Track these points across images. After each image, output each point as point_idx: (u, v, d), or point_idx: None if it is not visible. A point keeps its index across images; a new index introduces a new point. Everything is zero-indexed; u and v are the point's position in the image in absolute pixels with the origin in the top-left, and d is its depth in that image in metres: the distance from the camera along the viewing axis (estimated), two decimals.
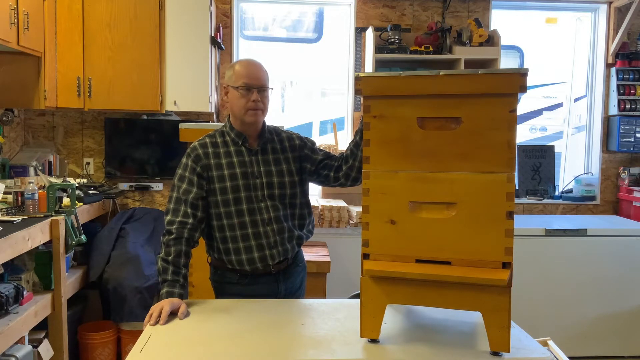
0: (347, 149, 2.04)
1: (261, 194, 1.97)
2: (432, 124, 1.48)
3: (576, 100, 4.49)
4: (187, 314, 1.74)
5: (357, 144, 1.98)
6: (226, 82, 2.00)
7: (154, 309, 1.71)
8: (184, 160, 1.99)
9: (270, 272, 2.01)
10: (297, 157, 2.07)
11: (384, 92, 1.50)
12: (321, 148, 2.14)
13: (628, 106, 4.12)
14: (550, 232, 3.62)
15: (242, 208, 1.95)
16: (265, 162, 2.00)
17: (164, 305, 1.71)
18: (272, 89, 2.01)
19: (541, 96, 4.58)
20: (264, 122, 2.05)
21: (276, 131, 2.11)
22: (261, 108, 1.96)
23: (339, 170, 2.05)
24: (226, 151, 1.99)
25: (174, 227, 1.90)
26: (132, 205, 3.91)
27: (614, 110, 4.14)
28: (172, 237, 1.89)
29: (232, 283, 2.03)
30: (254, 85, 1.93)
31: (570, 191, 4.33)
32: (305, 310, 1.82)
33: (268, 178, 1.99)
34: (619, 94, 4.13)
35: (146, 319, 1.70)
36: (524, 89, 1.39)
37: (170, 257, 1.86)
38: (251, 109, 1.93)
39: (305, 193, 2.11)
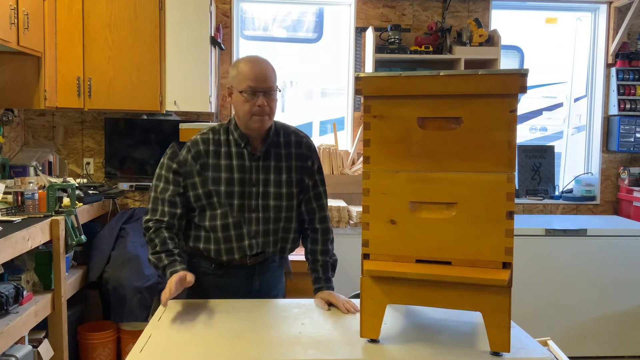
0: (311, 260, 2.08)
1: (255, 203, 1.91)
2: (432, 124, 1.48)
3: (576, 100, 4.49)
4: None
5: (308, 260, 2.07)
6: (230, 82, 1.90)
7: (168, 284, 1.70)
8: (183, 152, 1.92)
9: (246, 264, 1.95)
10: (300, 167, 1.96)
11: (384, 92, 1.50)
12: (321, 198, 2.03)
13: (628, 106, 4.12)
14: (550, 232, 3.62)
15: (232, 213, 1.91)
16: (265, 169, 1.92)
17: (170, 282, 1.70)
18: (279, 90, 1.89)
19: (541, 96, 4.58)
20: (270, 125, 1.94)
21: (285, 132, 1.98)
22: (267, 113, 1.83)
23: (300, 223, 2.04)
24: (227, 151, 1.91)
25: (151, 222, 1.90)
26: (132, 205, 3.91)
27: (614, 110, 4.15)
28: (151, 230, 1.88)
29: (206, 274, 1.98)
30: (260, 89, 1.81)
31: (570, 191, 4.33)
32: (305, 311, 1.82)
33: (265, 188, 1.92)
34: (619, 94, 4.13)
35: (162, 298, 1.69)
36: (524, 89, 1.39)
37: (157, 248, 1.84)
38: (256, 114, 1.82)
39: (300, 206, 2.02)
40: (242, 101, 1.83)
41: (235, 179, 1.90)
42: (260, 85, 1.82)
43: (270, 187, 1.93)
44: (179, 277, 1.72)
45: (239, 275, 1.98)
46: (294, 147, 1.97)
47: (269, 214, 1.93)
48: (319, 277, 2.03)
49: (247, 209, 1.91)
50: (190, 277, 1.73)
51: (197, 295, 1.93)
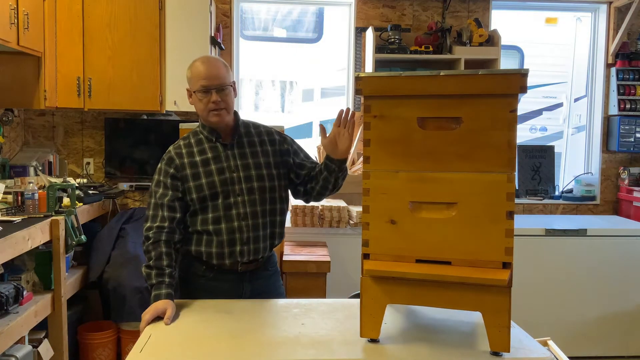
0: (317, 168, 2.04)
1: (238, 188, 1.94)
2: (432, 124, 1.48)
3: (576, 100, 4.49)
4: (174, 318, 1.71)
5: (321, 171, 2.01)
6: (188, 84, 1.96)
7: (142, 317, 1.72)
8: (158, 165, 1.98)
9: (236, 270, 1.98)
10: (278, 151, 2.04)
11: (384, 92, 1.50)
12: (307, 156, 2.13)
13: (628, 106, 4.12)
14: (550, 232, 3.62)
15: (218, 203, 1.93)
16: (241, 155, 1.98)
17: (145, 314, 1.72)
18: (231, 85, 1.95)
19: (541, 96, 4.58)
20: (237, 118, 2.02)
21: (254, 125, 2.08)
22: (223, 107, 1.92)
23: (305, 184, 2.07)
24: (201, 149, 1.97)
25: (151, 232, 1.89)
26: (132, 205, 3.91)
27: (614, 110, 4.14)
28: (149, 242, 1.88)
29: (197, 275, 2.00)
30: (212, 86, 1.89)
31: (570, 191, 4.33)
32: (305, 310, 1.82)
33: (246, 172, 1.96)
34: (619, 94, 4.12)
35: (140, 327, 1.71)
36: (524, 89, 1.39)
37: (151, 262, 1.86)
38: (212, 109, 1.91)
39: (286, 188, 2.08)
40: (198, 100, 1.93)
41: (213, 170, 1.94)
42: (212, 83, 1.90)
43: (251, 170, 1.97)
44: (155, 313, 1.72)
45: (229, 279, 1.99)
46: (265, 135, 2.06)
47: (255, 196, 1.95)
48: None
49: (232, 194, 1.93)
50: (169, 313, 1.71)
51: (188, 296, 1.94)
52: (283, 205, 2.06)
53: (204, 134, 1.99)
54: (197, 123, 2.08)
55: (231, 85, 1.96)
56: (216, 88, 1.90)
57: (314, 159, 2.16)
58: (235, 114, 2.02)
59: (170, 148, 2.01)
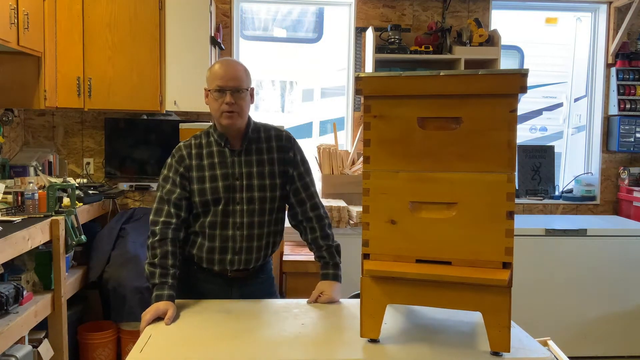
0: (315, 248, 2.03)
1: (239, 196, 1.93)
2: (432, 124, 1.48)
3: (576, 100, 4.49)
4: (174, 319, 1.71)
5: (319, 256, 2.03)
6: (206, 83, 1.96)
7: (142, 317, 1.71)
8: (168, 160, 1.98)
9: (226, 275, 1.98)
10: (282, 159, 2.00)
11: (384, 92, 1.50)
12: (307, 185, 2.05)
13: (628, 106, 4.12)
14: (550, 232, 3.62)
15: (218, 209, 1.92)
16: (247, 163, 1.95)
17: (145, 314, 1.72)
18: (247, 90, 1.93)
19: (541, 96, 4.58)
20: (249, 122, 1.98)
21: (265, 129, 2.03)
22: (236, 110, 1.89)
23: (294, 216, 2.06)
24: (209, 151, 1.96)
25: (157, 227, 1.89)
26: (132, 205, 3.90)
27: (614, 110, 4.14)
28: (156, 238, 1.88)
29: (189, 275, 2.00)
30: (227, 87, 1.87)
31: (570, 191, 4.33)
32: (306, 311, 1.82)
33: (248, 180, 1.94)
34: (619, 94, 4.12)
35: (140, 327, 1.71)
36: (524, 89, 1.39)
37: (156, 260, 1.86)
38: (225, 111, 1.88)
39: (287, 197, 2.03)
40: (213, 100, 1.91)
41: (218, 175, 1.93)
42: (228, 84, 1.88)
43: (254, 179, 1.95)
44: (156, 314, 1.72)
45: (217, 283, 1.99)
46: (274, 140, 2.01)
47: (254, 206, 1.94)
48: (327, 261, 2.01)
49: (232, 202, 1.93)
50: (170, 313, 1.72)
51: (182, 295, 1.93)
52: (282, 214, 2.04)
53: (214, 137, 1.98)
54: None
55: (247, 90, 1.93)
56: (231, 89, 1.87)
57: (316, 187, 2.09)
58: (248, 119, 1.99)
59: (182, 145, 1.99)
